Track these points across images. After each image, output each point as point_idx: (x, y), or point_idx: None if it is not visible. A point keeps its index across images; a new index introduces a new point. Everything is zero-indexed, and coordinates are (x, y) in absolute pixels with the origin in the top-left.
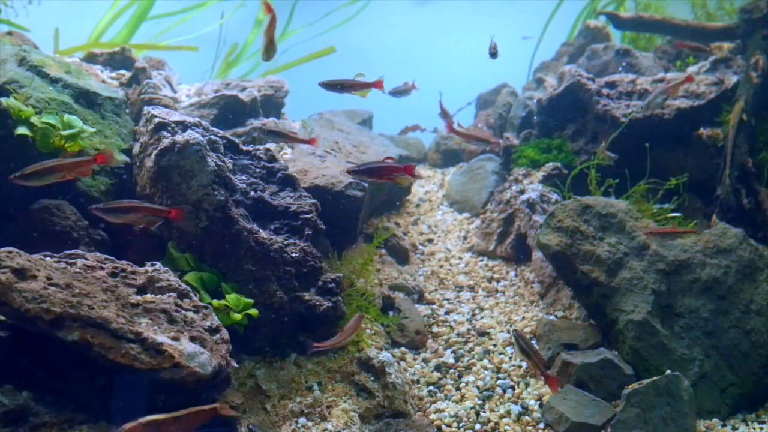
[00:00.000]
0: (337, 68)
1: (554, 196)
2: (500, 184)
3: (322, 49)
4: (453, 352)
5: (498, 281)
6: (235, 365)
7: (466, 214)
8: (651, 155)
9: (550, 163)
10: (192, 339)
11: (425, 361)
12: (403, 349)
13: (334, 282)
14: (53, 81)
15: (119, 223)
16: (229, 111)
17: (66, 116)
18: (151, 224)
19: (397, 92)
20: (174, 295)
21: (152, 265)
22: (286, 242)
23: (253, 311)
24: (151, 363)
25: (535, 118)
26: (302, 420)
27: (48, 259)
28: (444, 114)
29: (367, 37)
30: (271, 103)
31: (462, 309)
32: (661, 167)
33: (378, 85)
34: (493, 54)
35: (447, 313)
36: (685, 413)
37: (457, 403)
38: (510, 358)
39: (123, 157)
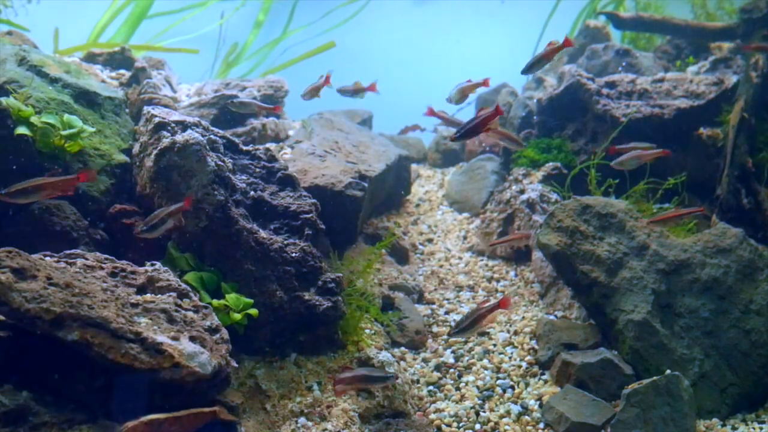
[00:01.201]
0: (336, 68)
1: (554, 196)
2: (500, 184)
3: (322, 45)
4: (453, 351)
5: (498, 281)
6: (235, 365)
7: (465, 214)
8: None
9: (550, 163)
10: (192, 339)
11: (425, 360)
12: (402, 348)
13: (334, 282)
14: (53, 81)
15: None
16: (229, 111)
17: (66, 116)
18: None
19: (343, 91)
20: (174, 294)
21: (152, 265)
22: (285, 242)
23: (253, 311)
24: (150, 363)
25: (534, 118)
26: (302, 420)
27: (48, 259)
28: (449, 121)
29: (367, 37)
30: (271, 103)
31: (462, 309)
32: (661, 167)
33: (326, 81)
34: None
35: (447, 312)
36: (685, 413)
37: (456, 402)
38: (510, 358)
39: (123, 157)
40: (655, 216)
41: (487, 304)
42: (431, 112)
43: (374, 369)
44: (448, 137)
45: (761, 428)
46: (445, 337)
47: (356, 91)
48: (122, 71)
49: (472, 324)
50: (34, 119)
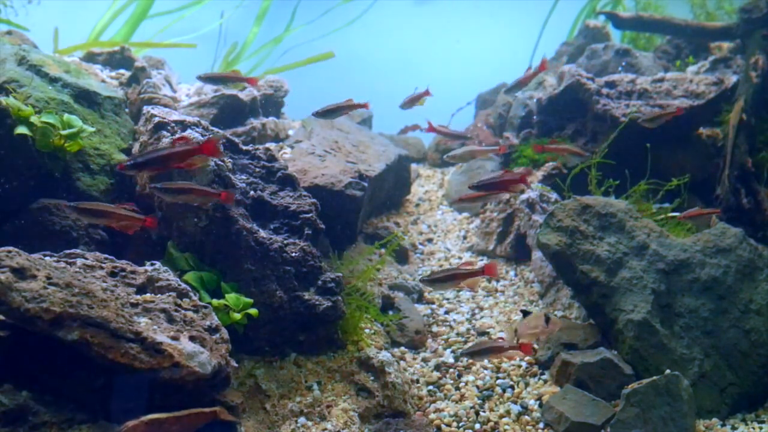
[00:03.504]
0: (336, 69)
1: (554, 196)
2: None
3: (322, 53)
4: (452, 351)
5: (497, 281)
6: (235, 365)
7: (465, 214)
8: (651, 155)
9: (550, 163)
10: (191, 338)
11: (425, 360)
12: (402, 348)
13: (334, 281)
14: (52, 80)
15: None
16: (229, 110)
17: (65, 116)
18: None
19: (212, 78)
20: (173, 294)
21: (152, 264)
22: (285, 242)
23: (253, 311)
24: (150, 362)
25: (534, 117)
26: (302, 419)
27: (47, 258)
28: (449, 134)
29: (367, 37)
30: (271, 103)
31: (461, 309)
32: (661, 167)
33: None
34: None
35: (447, 312)
36: (684, 413)
37: (456, 402)
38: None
39: (122, 156)
40: (683, 214)
41: (468, 267)
42: (431, 128)
43: None
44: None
45: (761, 428)
46: (446, 337)
47: (228, 79)
48: (122, 71)
49: (445, 279)
50: (33, 119)
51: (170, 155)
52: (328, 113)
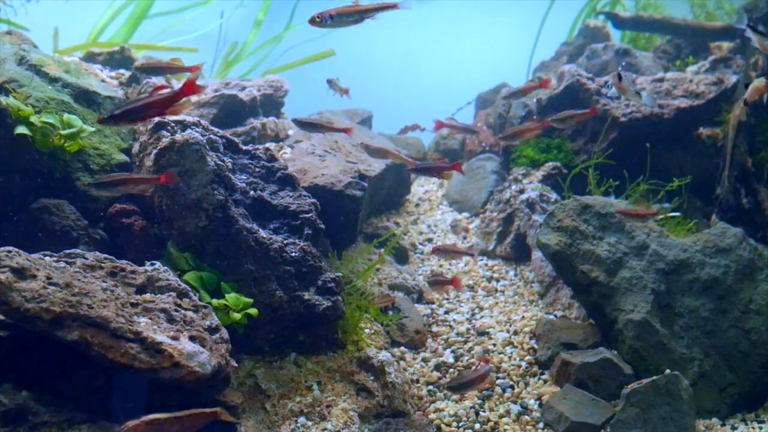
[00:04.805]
0: (335, 68)
1: (554, 196)
2: (500, 184)
3: (322, 51)
4: (452, 351)
5: (497, 281)
6: (235, 365)
7: (465, 214)
8: (651, 155)
9: (550, 163)
10: (191, 338)
11: (425, 360)
12: (402, 348)
13: (334, 281)
14: (52, 80)
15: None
16: (229, 110)
17: (65, 115)
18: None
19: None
20: (173, 294)
21: (152, 264)
22: (285, 242)
23: (253, 311)
24: (150, 362)
25: (534, 117)
26: (302, 419)
27: (47, 258)
28: (459, 128)
29: (367, 37)
30: (271, 103)
31: (461, 308)
32: (661, 167)
33: (194, 69)
34: None
35: (446, 312)
36: (684, 413)
37: (456, 402)
38: (509, 357)
39: (122, 157)
40: (624, 209)
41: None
42: (440, 125)
43: None
44: (448, 135)
45: (761, 428)
46: (445, 337)
47: (168, 69)
48: (122, 71)
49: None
50: (33, 119)
51: (149, 104)
52: (306, 125)
